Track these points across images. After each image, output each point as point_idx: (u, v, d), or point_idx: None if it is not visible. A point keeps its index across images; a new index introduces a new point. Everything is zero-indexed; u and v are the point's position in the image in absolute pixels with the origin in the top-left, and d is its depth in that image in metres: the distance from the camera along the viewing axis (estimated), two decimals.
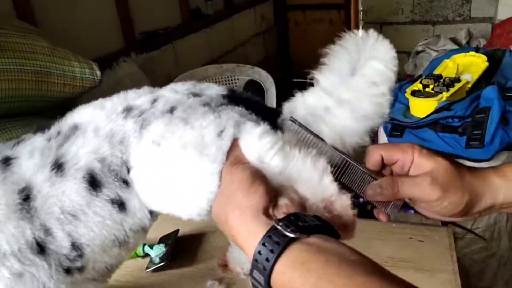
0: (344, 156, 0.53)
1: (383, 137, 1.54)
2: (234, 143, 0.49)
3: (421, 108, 1.47)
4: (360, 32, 0.56)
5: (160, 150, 0.50)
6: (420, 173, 0.51)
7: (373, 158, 0.53)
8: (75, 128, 0.55)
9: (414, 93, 1.50)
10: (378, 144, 0.54)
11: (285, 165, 0.47)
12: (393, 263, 0.80)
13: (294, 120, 0.54)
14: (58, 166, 0.52)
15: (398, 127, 1.48)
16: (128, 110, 0.55)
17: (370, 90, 0.54)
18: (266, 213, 0.43)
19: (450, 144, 1.37)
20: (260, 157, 0.48)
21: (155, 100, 0.56)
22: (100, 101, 0.59)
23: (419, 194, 0.51)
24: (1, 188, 0.51)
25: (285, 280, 0.38)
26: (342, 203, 0.46)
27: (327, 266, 0.37)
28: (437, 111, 1.40)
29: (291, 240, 0.39)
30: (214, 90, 0.59)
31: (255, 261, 0.40)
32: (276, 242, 0.39)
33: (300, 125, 0.53)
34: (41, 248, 0.50)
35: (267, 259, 0.39)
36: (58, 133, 0.55)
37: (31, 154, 0.53)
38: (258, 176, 0.46)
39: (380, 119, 0.55)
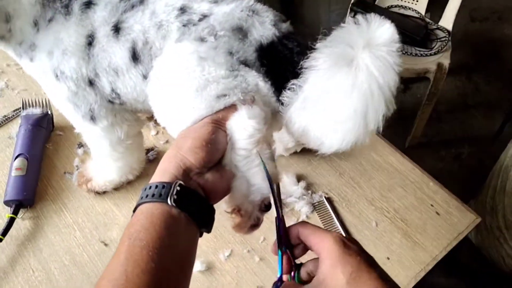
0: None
1: None
2: (231, 106, 0.55)
3: None
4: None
5: (171, 71, 0.58)
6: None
7: (293, 231, 0.50)
8: (142, 1, 0.64)
9: None
10: (306, 226, 0.50)
11: (243, 163, 0.53)
12: (392, 216, 0.84)
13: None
14: (117, 29, 0.64)
15: None
16: (183, 11, 0.62)
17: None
18: (186, 170, 0.50)
19: None
20: (235, 139, 0.53)
21: (204, 16, 0.61)
22: None
23: None
24: (76, 28, 0.65)
25: (137, 215, 0.47)
26: (255, 216, 0.54)
27: (157, 239, 0.44)
28: None
29: (167, 202, 0.46)
30: (260, 32, 0.60)
31: (148, 187, 0.48)
32: (161, 193, 0.46)
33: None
34: (91, 83, 0.68)
35: (147, 195, 0.47)
36: None
37: (105, 6, 0.65)
38: (215, 146, 0.52)
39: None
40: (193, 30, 0.60)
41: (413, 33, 1.72)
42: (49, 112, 0.94)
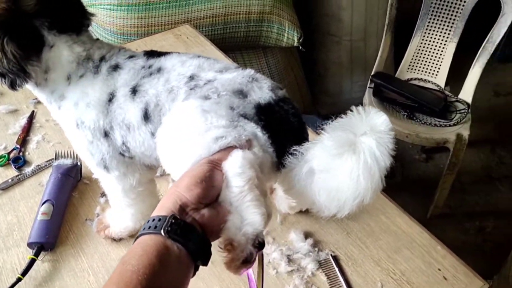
0: None
1: None
2: (229, 148, 0.61)
3: None
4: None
5: (177, 121, 0.65)
6: None
7: None
8: (159, 70, 0.74)
9: None
10: None
11: (236, 198, 0.57)
12: (398, 278, 0.84)
13: None
14: (134, 91, 0.73)
15: None
16: (192, 78, 0.70)
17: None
18: (182, 205, 0.54)
19: None
20: (229, 177, 0.58)
21: (209, 81, 0.69)
22: (187, 56, 0.75)
23: None
24: (101, 87, 0.74)
25: (134, 246, 0.51)
26: (248, 250, 0.56)
27: (148, 265, 0.47)
28: None
29: (161, 234, 0.50)
30: (258, 95, 0.68)
31: (147, 221, 0.53)
32: (156, 226, 0.51)
33: None
34: (106, 134, 0.75)
35: (144, 228, 0.52)
36: (150, 66, 0.74)
37: (128, 71, 0.74)
38: (210, 183, 0.56)
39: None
40: (198, 91, 0.68)
41: (432, 105, 1.77)
42: (79, 163, 1.02)
